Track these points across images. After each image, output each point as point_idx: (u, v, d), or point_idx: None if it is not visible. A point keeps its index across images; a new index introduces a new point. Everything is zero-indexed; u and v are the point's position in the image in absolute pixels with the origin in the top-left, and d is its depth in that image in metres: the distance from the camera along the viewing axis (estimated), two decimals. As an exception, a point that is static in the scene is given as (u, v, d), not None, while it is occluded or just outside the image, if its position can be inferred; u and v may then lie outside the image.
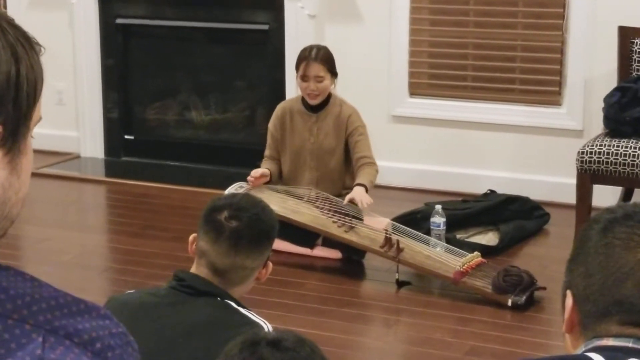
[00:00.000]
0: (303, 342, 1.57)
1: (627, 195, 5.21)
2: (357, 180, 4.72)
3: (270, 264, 2.51)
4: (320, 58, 4.81)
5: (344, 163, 4.91)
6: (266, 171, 4.89)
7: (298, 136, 4.93)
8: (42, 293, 0.95)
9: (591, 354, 1.43)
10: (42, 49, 1.04)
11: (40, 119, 1.03)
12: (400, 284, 4.47)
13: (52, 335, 0.92)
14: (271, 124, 5.02)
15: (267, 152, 5.03)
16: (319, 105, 4.90)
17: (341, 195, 4.84)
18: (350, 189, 4.86)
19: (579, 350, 1.47)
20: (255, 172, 4.85)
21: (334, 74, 4.85)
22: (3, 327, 0.91)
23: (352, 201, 4.63)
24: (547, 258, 4.77)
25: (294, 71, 4.93)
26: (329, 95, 4.91)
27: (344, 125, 4.86)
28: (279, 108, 5.03)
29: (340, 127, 4.87)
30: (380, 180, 4.87)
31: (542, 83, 5.62)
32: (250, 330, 1.74)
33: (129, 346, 0.99)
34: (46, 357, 0.91)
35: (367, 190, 4.67)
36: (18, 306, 0.93)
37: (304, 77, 4.82)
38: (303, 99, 4.93)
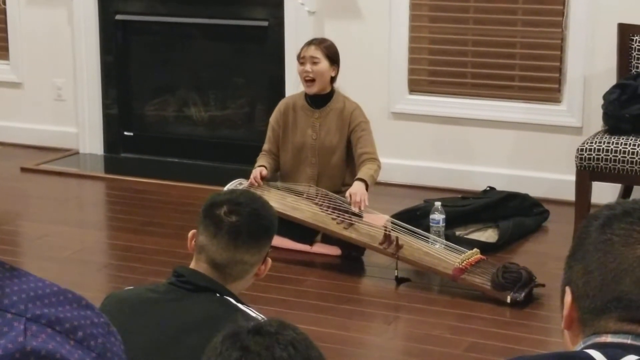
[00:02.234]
0: (286, 326, 1.56)
1: (626, 192, 5.22)
2: (358, 175, 4.70)
3: (269, 260, 2.51)
4: (318, 42, 4.87)
5: (345, 160, 4.89)
6: (264, 170, 4.87)
7: (300, 132, 4.92)
8: (22, 283, 0.96)
9: (590, 351, 1.43)
10: None
11: None
12: (399, 280, 4.48)
13: (34, 324, 0.93)
14: (273, 119, 5.00)
15: (265, 147, 5.00)
16: (322, 101, 4.88)
17: (340, 192, 4.84)
18: (349, 185, 4.86)
19: (578, 347, 1.47)
20: (257, 176, 4.83)
21: (332, 61, 4.84)
22: None
23: (351, 197, 4.61)
24: (546, 255, 4.77)
25: (294, 68, 4.95)
26: (332, 92, 4.90)
27: (347, 121, 4.84)
28: (282, 103, 5.02)
29: (343, 124, 4.85)
30: (380, 177, 4.88)
31: (541, 80, 5.62)
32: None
33: (111, 335, 0.99)
34: (28, 344, 0.91)
35: (367, 187, 4.66)
36: None
37: (299, 59, 4.84)
38: (306, 95, 4.92)
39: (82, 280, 4.44)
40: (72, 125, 6.75)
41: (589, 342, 1.46)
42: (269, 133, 5.01)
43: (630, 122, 4.79)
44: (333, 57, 4.85)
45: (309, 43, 4.89)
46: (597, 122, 5.14)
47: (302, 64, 4.84)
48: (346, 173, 4.91)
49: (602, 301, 1.46)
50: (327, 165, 4.90)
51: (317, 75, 4.81)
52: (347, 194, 4.64)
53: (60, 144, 6.74)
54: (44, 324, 0.94)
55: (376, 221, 4.64)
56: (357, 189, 4.62)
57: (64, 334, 0.94)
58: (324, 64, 4.82)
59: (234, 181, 4.91)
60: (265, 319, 2.30)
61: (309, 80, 4.82)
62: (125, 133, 6.69)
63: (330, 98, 4.89)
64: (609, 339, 1.44)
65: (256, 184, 4.80)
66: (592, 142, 4.76)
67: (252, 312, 2.34)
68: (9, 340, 0.91)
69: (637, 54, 5.12)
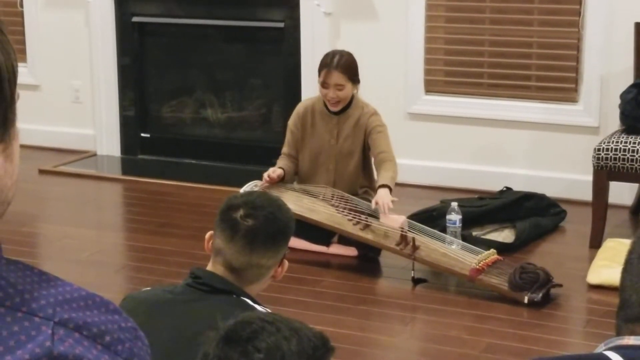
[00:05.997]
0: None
1: (643, 192, 5.20)
2: (380, 181, 4.66)
3: (286, 262, 2.51)
4: (341, 66, 4.73)
5: (361, 165, 4.88)
6: (280, 171, 4.87)
7: (318, 137, 4.90)
8: (50, 287, 0.96)
9: (608, 353, 1.42)
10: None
11: (18, 97, 1.02)
12: (416, 281, 4.47)
13: (61, 328, 0.93)
14: (292, 122, 4.97)
15: (285, 149, 4.99)
16: (341, 108, 4.86)
17: (357, 194, 4.84)
18: (365, 187, 4.85)
19: (599, 349, 1.47)
20: (273, 173, 4.83)
21: (355, 81, 4.79)
22: (12, 320, 0.92)
23: (377, 205, 4.59)
24: (563, 255, 4.76)
25: (310, 69, 4.93)
26: (352, 98, 4.84)
27: (363, 127, 4.80)
28: (301, 106, 4.99)
29: (360, 129, 4.81)
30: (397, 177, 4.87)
31: (558, 80, 5.61)
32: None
33: (138, 340, 1.00)
34: (55, 349, 0.91)
35: (391, 191, 4.63)
36: (26, 300, 0.94)
37: (324, 84, 4.77)
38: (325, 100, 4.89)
39: (100, 282, 4.46)
40: (89, 127, 6.77)
41: (611, 345, 1.45)
42: (288, 136, 4.99)
43: (648, 121, 4.77)
44: (355, 76, 4.77)
45: (330, 66, 4.73)
46: (614, 122, 5.12)
47: (325, 88, 4.77)
48: (362, 176, 4.90)
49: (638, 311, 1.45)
50: (345, 171, 4.88)
51: (342, 98, 4.79)
52: (373, 202, 4.60)
53: (77, 146, 6.76)
54: (71, 328, 0.94)
55: (393, 222, 4.64)
56: (382, 195, 4.57)
57: (91, 338, 0.94)
58: (348, 88, 4.77)
59: (250, 183, 4.91)
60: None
61: (333, 102, 4.80)
62: (142, 135, 6.70)
63: (349, 105, 4.86)
64: (630, 341, 1.44)
65: (268, 182, 4.79)
66: (609, 142, 4.74)
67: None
68: (36, 344, 0.91)
69: (654, 54, 5.10)
